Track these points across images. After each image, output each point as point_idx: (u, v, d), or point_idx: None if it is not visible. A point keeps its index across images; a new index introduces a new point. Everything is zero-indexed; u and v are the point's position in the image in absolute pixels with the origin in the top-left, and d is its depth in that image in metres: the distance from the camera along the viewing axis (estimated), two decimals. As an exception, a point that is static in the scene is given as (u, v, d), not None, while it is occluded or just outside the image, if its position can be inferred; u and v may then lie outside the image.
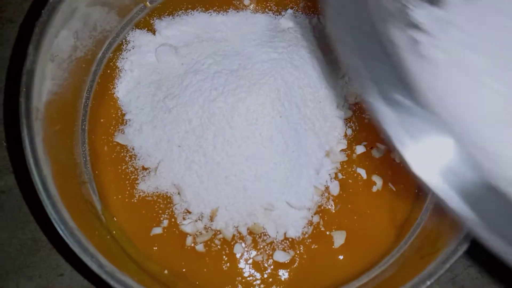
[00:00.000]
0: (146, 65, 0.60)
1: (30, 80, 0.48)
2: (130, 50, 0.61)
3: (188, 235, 0.53)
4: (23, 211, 0.61)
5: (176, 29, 0.61)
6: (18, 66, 0.49)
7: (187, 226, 0.53)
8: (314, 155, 0.55)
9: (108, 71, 0.60)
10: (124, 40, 0.62)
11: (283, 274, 0.53)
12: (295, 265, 0.53)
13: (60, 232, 0.44)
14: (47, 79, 0.51)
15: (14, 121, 0.48)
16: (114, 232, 0.54)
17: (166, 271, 0.53)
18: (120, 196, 0.55)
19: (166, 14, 0.63)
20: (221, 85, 0.54)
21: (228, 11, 0.63)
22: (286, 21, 0.61)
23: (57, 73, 0.53)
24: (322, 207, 0.55)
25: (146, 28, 0.62)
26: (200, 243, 0.53)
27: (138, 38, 0.61)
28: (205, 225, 0.54)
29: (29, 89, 0.47)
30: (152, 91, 0.58)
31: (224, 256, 0.53)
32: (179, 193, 0.55)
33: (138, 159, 0.56)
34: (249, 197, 0.53)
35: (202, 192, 0.54)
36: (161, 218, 0.54)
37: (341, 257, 0.54)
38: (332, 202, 0.55)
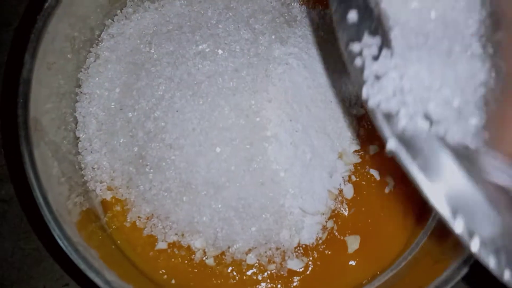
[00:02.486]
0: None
1: (27, 89, 0.46)
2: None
3: (197, 250, 0.52)
4: (26, 221, 0.60)
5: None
6: (14, 71, 0.48)
7: (197, 241, 0.51)
8: (326, 157, 0.53)
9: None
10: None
11: (297, 282, 0.52)
12: (308, 272, 0.52)
13: (64, 248, 0.43)
14: (44, 87, 0.49)
15: (12, 128, 0.47)
16: (118, 242, 0.52)
17: (173, 281, 0.51)
18: (123, 208, 0.54)
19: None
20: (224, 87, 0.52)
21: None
22: (296, 11, 0.59)
23: (55, 80, 0.51)
24: (336, 211, 0.53)
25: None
26: (211, 257, 0.52)
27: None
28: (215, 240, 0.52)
29: (27, 99, 0.46)
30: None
31: (236, 266, 0.52)
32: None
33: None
34: (262, 205, 0.51)
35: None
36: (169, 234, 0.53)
37: (354, 262, 0.52)
38: (346, 206, 0.54)
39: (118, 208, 0.54)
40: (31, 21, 0.48)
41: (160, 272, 0.52)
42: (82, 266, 0.43)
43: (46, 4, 0.48)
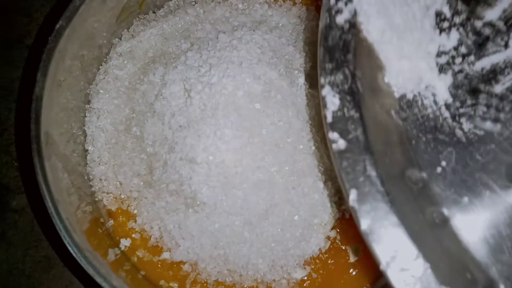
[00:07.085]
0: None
1: (39, 106, 0.48)
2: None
3: (201, 260, 0.53)
4: (36, 230, 0.62)
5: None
6: (27, 89, 0.50)
7: (201, 252, 0.53)
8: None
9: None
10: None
11: (300, 290, 0.53)
12: (311, 281, 0.54)
13: (74, 255, 0.45)
14: (55, 103, 0.51)
15: (25, 142, 0.49)
16: (125, 249, 0.54)
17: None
18: (125, 218, 0.56)
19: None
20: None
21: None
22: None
23: (65, 96, 0.54)
24: (339, 221, 0.55)
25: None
26: (212, 267, 0.53)
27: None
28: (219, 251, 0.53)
29: (38, 114, 0.48)
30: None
31: (242, 276, 0.53)
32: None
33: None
34: (266, 215, 0.52)
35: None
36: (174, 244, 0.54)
37: (355, 270, 0.54)
38: (348, 216, 0.54)
39: (124, 218, 0.56)
40: (43, 42, 0.50)
41: (165, 280, 0.54)
42: (91, 271, 0.45)
43: (57, 26, 0.51)
